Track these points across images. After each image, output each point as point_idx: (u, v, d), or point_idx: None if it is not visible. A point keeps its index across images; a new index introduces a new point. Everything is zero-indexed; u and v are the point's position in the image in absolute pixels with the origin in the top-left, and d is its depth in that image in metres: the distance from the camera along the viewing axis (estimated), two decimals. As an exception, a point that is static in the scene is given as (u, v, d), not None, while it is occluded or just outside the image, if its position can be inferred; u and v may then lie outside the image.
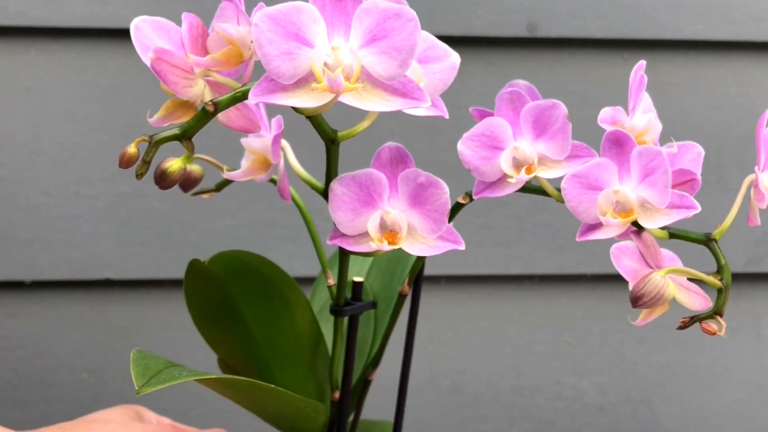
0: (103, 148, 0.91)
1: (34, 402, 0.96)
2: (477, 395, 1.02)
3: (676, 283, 0.52)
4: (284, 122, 0.57)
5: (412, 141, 0.92)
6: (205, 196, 0.64)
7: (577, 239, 0.53)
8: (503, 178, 0.54)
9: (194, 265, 0.57)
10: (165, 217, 0.93)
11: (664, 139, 0.57)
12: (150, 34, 0.50)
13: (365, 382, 0.66)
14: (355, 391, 0.66)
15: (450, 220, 0.55)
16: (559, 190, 0.53)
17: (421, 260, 0.62)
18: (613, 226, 0.52)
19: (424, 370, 1.00)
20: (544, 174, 0.53)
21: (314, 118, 0.50)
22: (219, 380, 0.55)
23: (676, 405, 1.04)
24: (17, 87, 0.89)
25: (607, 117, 0.55)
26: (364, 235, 0.53)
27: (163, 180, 0.49)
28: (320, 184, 0.56)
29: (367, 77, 0.46)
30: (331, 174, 0.54)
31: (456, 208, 0.57)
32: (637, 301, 0.51)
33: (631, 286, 0.52)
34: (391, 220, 0.53)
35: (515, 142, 0.53)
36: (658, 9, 0.93)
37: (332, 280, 0.61)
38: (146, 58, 0.49)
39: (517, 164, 0.53)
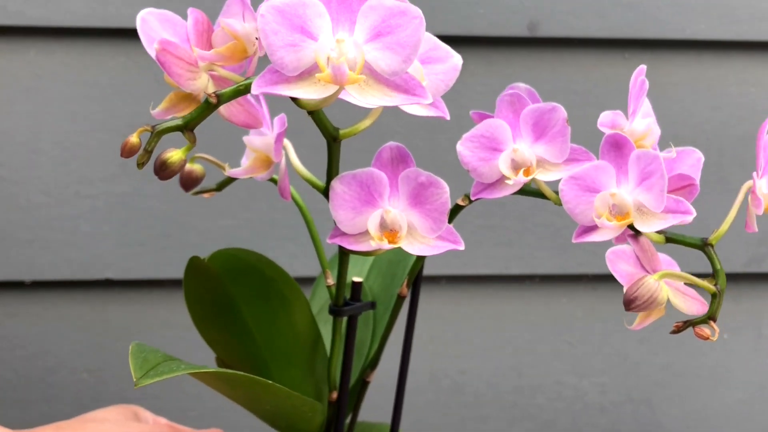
0: (104, 148, 0.91)
1: (34, 402, 0.96)
2: (477, 395, 1.02)
3: (672, 288, 0.52)
4: (286, 121, 0.57)
5: (413, 140, 0.92)
6: (206, 195, 0.64)
7: (574, 241, 0.53)
8: (501, 179, 0.54)
9: (194, 263, 0.58)
10: (165, 217, 0.93)
11: (664, 142, 0.57)
12: (156, 27, 0.50)
13: (363, 384, 0.66)
14: (352, 393, 0.66)
15: (449, 221, 0.55)
16: (557, 192, 0.53)
17: (420, 262, 0.62)
18: (609, 228, 0.52)
19: (424, 370, 1.00)
20: (543, 176, 0.54)
21: (316, 115, 0.51)
22: (216, 374, 0.55)
23: (677, 405, 1.04)
24: (17, 87, 0.89)
25: (606, 121, 0.55)
26: (365, 233, 0.53)
27: (163, 170, 0.49)
28: (321, 183, 0.56)
29: (370, 72, 0.46)
30: (332, 172, 0.54)
31: (455, 210, 0.57)
32: (630, 304, 0.51)
33: (625, 290, 0.52)
34: (391, 219, 0.53)
35: (514, 144, 0.54)
36: (660, 8, 0.93)
37: (331, 280, 0.61)
38: (151, 50, 0.49)
39: (516, 166, 0.53)
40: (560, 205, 0.53)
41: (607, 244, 0.53)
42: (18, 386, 0.95)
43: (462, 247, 0.53)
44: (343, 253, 0.58)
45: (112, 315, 0.95)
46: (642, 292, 0.51)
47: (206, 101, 0.48)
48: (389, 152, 0.54)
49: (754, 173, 0.52)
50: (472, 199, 0.55)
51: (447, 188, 0.52)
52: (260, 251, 0.60)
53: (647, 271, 0.53)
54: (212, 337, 0.63)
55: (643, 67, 0.55)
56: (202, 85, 0.50)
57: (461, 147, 0.53)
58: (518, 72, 0.94)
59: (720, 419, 1.05)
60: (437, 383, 1.01)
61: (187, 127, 0.48)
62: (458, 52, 0.53)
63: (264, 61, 0.47)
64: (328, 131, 0.52)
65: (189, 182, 0.62)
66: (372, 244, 0.53)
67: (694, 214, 0.51)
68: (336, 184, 0.53)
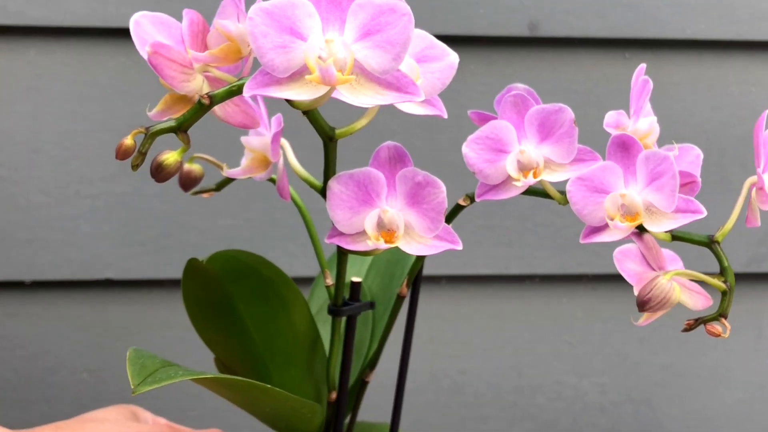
0: (104, 148, 0.91)
1: (34, 402, 0.96)
2: (477, 395, 1.02)
3: (678, 284, 0.52)
4: (283, 121, 0.57)
5: (411, 140, 0.92)
6: (205, 195, 0.64)
7: (581, 241, 0.53)
8: (507, 180, 0.54)
9: (192, 264, 0.57)
10: (165, 217, 0.93)
11: (664, 141, 0.57)
12: (150, 30, 0.50)
13: (362, 384, 0.66)
14: (352, 393, 0.66)
15: (449, 221, 0.55)
16: (561, 192, 0.53)
17: (419, 262, 0.62)
18: (620, 230, 0.52)
19: (424, 370, 1.00)
20: (549, 177, 0.54)
21: (312, 115, 0.50)
22: (215, 380, 0.55)
23: (677, 405, 1.04)
24: (17, 87, 0.89)
25: (611, 121, 0.56)
26: (362, 233, 0.53)
27: (159, 173, 0.49)
28: (319, 183, 0.56)
29: (361, 71, 0.46)
30: (329, 172, 0.54)
31: (456, 210, 0.57)
32: (644, 305, 0.51)
33: (635, 290, 0.52)
34: (389, 218, 0.53)
35: (520, 146, 0.53)
36: (660, 8, 0.93)
37: (330, 280, 0.61)
38: (144, 53, 0.49)
39: (523, 167, 0.53)
40: (564, 204, 0.53)
41: (608, 244, 0.53)
42: (18, 386, 0.95)
43: (460, 247, 0.53)
44: (342, 253, 0.58)
45: (112, 315, 0.95)
46: (656, 293, 0.51)
47: (199, 102, 0.48)
48: (387, 152, 0.53)
49: (759, 168, 0.52)
50: (477, 200, 0.55)
51: (444, 188, 0.52)
52: (259, 251, 0.60)
53: (653, 269, 0.53)
54: (211, 338, 0.63)
55: (643, 66, 0.55)
56: (197, 86, 0.50)
57: (467, 149, 0.53)
58: (518, 72, 0.94)
59: (720, 419, 1.05)
60: (437, 383, 1.01)
61: (181, 129, 0.48)
62: (458, 51, 0.53)
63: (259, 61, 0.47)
64: (323, 131, 0.52)
65: (188, 182, 0.62)
66: (369, 244, 0.53)
67: (705, 213, 0.51)
68: (333, 184, 0.53)
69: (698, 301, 0.53)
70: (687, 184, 0.54)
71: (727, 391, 1.04)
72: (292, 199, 0.62)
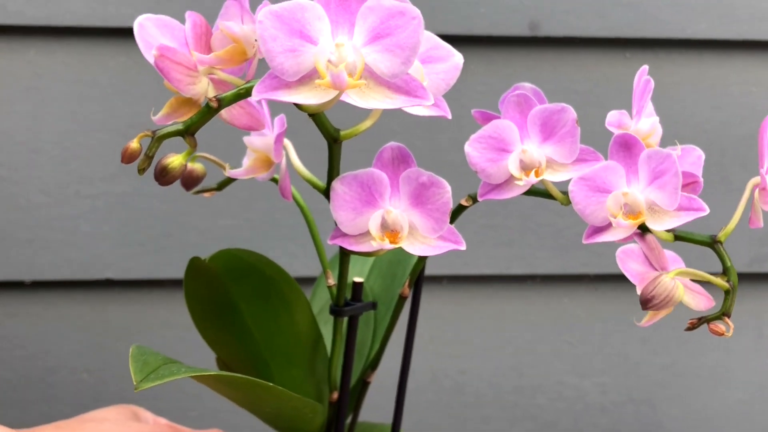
0: (104, 148, 0.91)
1: (34, 402, 0.96)
2: (478, 395, 1.01)
3: (681, 284, 0.52)
4: (286, 121, 0.57)
5: (412, 140, 0.92)
6: (206, 194, 0.64)
7: (584, 242, 0.53)
8: (510, 180, 0.54)
9: (194, 263, 0.57)
10: (165, 217, 0.93)
11: (665, 142, 0.57)
12: (154, 32, 0.50)
13: (364, 384, 0.66)
14: (353, 393, 0.66)
15: (452, 221, 0.55)
16: (563, 192, 0.53)
17: (421, 263, 0.62)
18: (624, 227, 0.52)
19: (425, 370, 1.00)
20: (551, 177, 0.53)
21: (317, 117, 0.50)
22: (217, 377, 0.55)
23: (678, 405, 1.04)
24: (17, 87, 0.89)
25: (614, 120, 0.56)
26: (366, 234, 0.53)
27: (163, 176, 0.48)
28: (322, 183, 0.56)
29: (370, 75, 0.46)
30: (333, 173, 0.54)
31: (458, 210, 0.57)
32: (647, 303, 0.51)
33: (638, 289, 0.52)
34: (393, 219, 0.53)
35: (523, 145, 0.53)
36: (660, 8, 0.93)
37: (332, 281, 0.61)
38: (149, 56, 0.49)
39: (525, 167, 0.53)
40: (567, 205, 0.53)
41: (609, 245, 0.53)
42: (18, 386, 0.95)
43: (463, 248, 0.53)
44: (344, 254, 0.58)
45: (112, 315, 0.95)
46: (659, 291, 0.51)
47: (207, 105, 0.48)
48: (390, 152, 0.53)
49: (762, 169, 0.52)
50: (480, 199, 0.55)
51: (449, 188, 0.52)
52: (259, 251, 0.59)
53: (656, 269, 0.53)
54: (213, 338, 0.63)
55: (645, 67, 0.55)
56: (202, 89, 0.50)
57: (469, 148, 0.53)
58: (519, 71, 0.94)
59: (721, 419, 1.05)
60: (438, 383, 1.01)
61: (188, 132, 0.48)
62: (459, 51, 0.53)
63: (264, 63, 0.47)
64: (328, 132, 0.52)
65: (190, 181, 0.62)
66: (373, 245, 0.53)
67: (707, 211, 0.51)
68: (337, 185, 0.53)
69: (700, 301, 0.53)
70: (689, 184, 0.54)
71: (727, 391, 1.04)
72: (294, 200, 0.62)
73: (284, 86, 0.46)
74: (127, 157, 0.47)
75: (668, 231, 0.53)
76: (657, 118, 0.57)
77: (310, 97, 0.45)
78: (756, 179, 0.52)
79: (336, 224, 0.54)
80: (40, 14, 0.87)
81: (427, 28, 0.51)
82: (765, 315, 1.03)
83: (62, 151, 0.90)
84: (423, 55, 0.51)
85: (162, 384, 0.50)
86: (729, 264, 0.52)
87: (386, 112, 0.53)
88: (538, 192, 0.55)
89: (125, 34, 0.89)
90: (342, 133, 0.52)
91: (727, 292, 0.52)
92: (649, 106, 0.57)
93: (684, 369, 1.03)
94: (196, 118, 0.48)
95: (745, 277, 1.00)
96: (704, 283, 0.53)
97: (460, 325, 1.00)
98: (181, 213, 0.93)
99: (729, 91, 0.96)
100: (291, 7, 0.45)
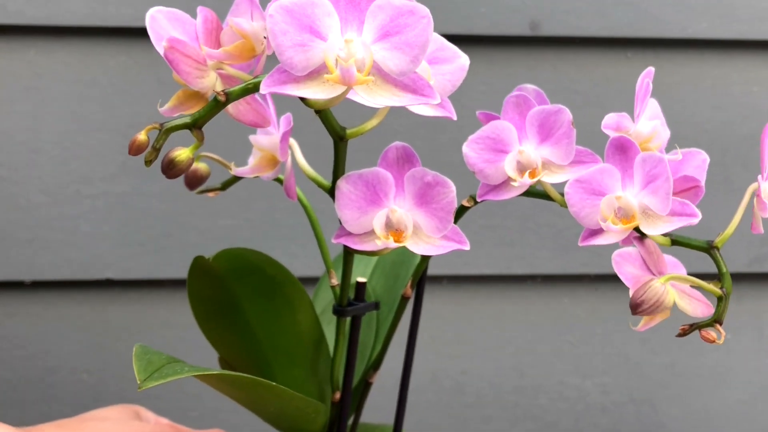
0: (104, 148, 0.91)
1: (34, 402, 0.95)
2: (479, 395, 1.01)
3: (677, 290, 0.52)
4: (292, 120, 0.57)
5: (414, 140, 0.92)
6: (210, 194, 0.64)
7: (580, 244, 0.53)
8: (507, 181, 0.54)
9: (198, 263, 0.57)
10: (165, 217, 0.93)
11: (671, 144, 0.57)
12: (165, 25, 0.50)
13: (366, 385, 0.66)
14: (355, 393, 0.66)
15: (454, 222, 0.55)
16: (563, 194, 0.53)
17: (424, 263, 0.62)
18: (614, 232, 0.52)
19: (426, 371, 1.00)
20: (548, 178, 0.53)
21: (323, 115, 0.50)
22: (221, 377, 0.55)
23: (679, 405, 1.04)
24: (17, 87, 0.89)
25: (611, 123, 0.55)
26: (370, 233, 0.53)
27: (170, 169, 0.48)
28: (327, 183, 0.56)
29: (378, 72, 0.46)
30: (338, 172, 0.54)
31: (460, 211, 0.57)
32: (636, 308, 0.51)
33: (631, 293, 0.52)
34: (397, 218, 0.53)
35: (520, 146, 0.53)
36: (661, 8, 0.93)
37: (336, 281, 0.61)
38: (160, 47, 0.49)
39: (521, 168, 0.53)
40: (566, 206, 0.53)
41: (610, 245, 0.53)
42: (18, 386, 0.95)
43: (467, 247, 0.53)
44: (348, 253, 0.58)
45: (112, 315, 0.95)
46: (648, 296, 0.51)
47: (215, 99, 0.48)
48: (395, 152, 0.54)
49: (759, 176, 0.51)
50: (479, 200, 0.55)
51: (453, 188, 0.52)
52: (261, 251, 0.59)
53: (653, 274, 0.53)
54: (215, 337, 0.63)
55: (650, 69, 0.55)
56: (210, 83, 0.50)
57: (467, 148, 0.53)
58: (520, 71, 0.94)
59: (721, 419, 1.05)
60: (439, 383, 1.01)
61: (196, 125, 0.48)
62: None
63: (272, 59, 0.47)
64: (335, 131, 0.52)
65: (194, 181, 0.62)
66: (378, 244, 0.53)
67: (700, 217, 0.51)
68: (342, 184, 0.53)
69: (698, 308, 0.53)
70: (690, 189, 0.54)
71: (728, 391, 1.04)
72: (299, 199, 0.62)
73: (293, 80, 0.46)
74: (135, 149, 0.47)
75: (665, 235, 0.53)
76: (660, 121, 0.56)
77: (318, 92, 0.46)
78: (755, 185, 0.52)
79: (340, 223, 0.54)
80: (40, 14, 0.87)
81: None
82: (765, 315, 1.03)
83: (62, 151, 0.90)
84: (429, 56, 0.51)
85: (164, 383, 0.50)
86: (725, 270, 0.52)
87: (389, 112, 0.53)
88: (536, 193, 0.55)
89: (125, 34, 0.89)
90: (348, 131, 0.52)
91: (720, 299, 0.51)
92: (655, 109, 0.56)
93: (685, 369, 1.03)
94: (204, 112, 0.48)
95: (745, 278, 1.00)
96: (704, 290, 0.53)
97: (460, 325, 1.00)
98: (181, 213, 0.93)
99: (730, 91, 0.96)
100: (301, 3, 0.45)
